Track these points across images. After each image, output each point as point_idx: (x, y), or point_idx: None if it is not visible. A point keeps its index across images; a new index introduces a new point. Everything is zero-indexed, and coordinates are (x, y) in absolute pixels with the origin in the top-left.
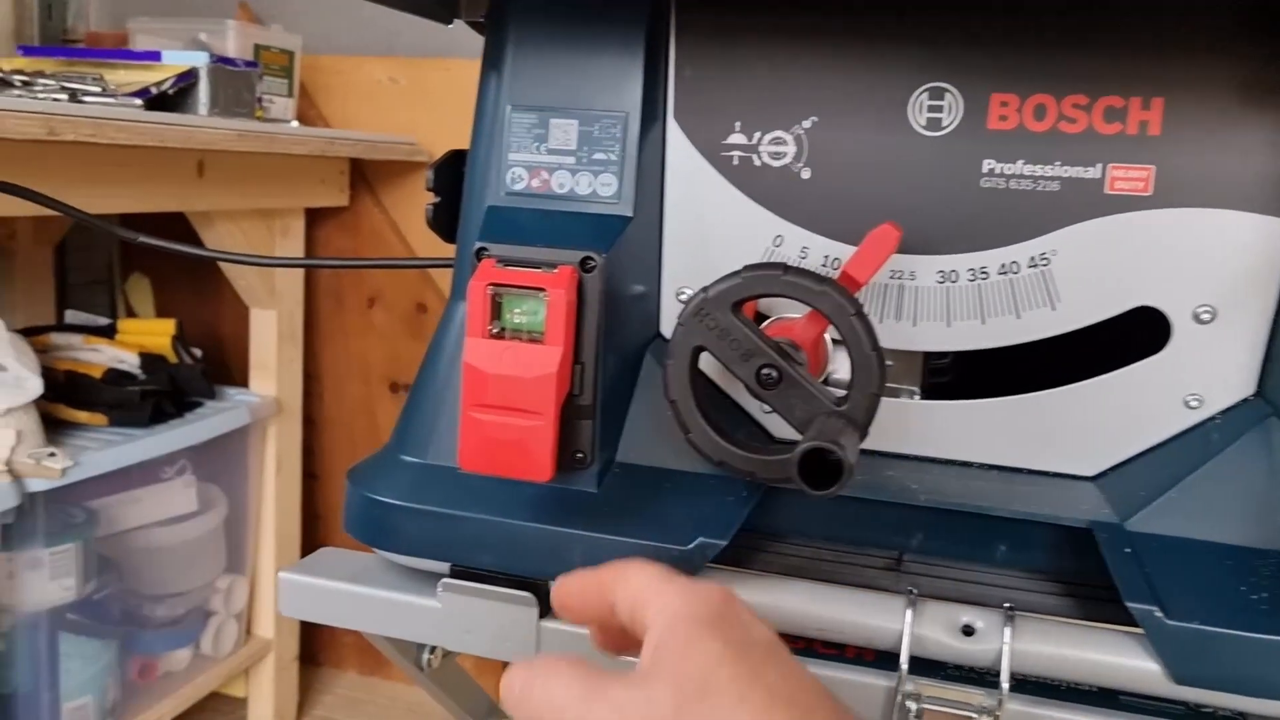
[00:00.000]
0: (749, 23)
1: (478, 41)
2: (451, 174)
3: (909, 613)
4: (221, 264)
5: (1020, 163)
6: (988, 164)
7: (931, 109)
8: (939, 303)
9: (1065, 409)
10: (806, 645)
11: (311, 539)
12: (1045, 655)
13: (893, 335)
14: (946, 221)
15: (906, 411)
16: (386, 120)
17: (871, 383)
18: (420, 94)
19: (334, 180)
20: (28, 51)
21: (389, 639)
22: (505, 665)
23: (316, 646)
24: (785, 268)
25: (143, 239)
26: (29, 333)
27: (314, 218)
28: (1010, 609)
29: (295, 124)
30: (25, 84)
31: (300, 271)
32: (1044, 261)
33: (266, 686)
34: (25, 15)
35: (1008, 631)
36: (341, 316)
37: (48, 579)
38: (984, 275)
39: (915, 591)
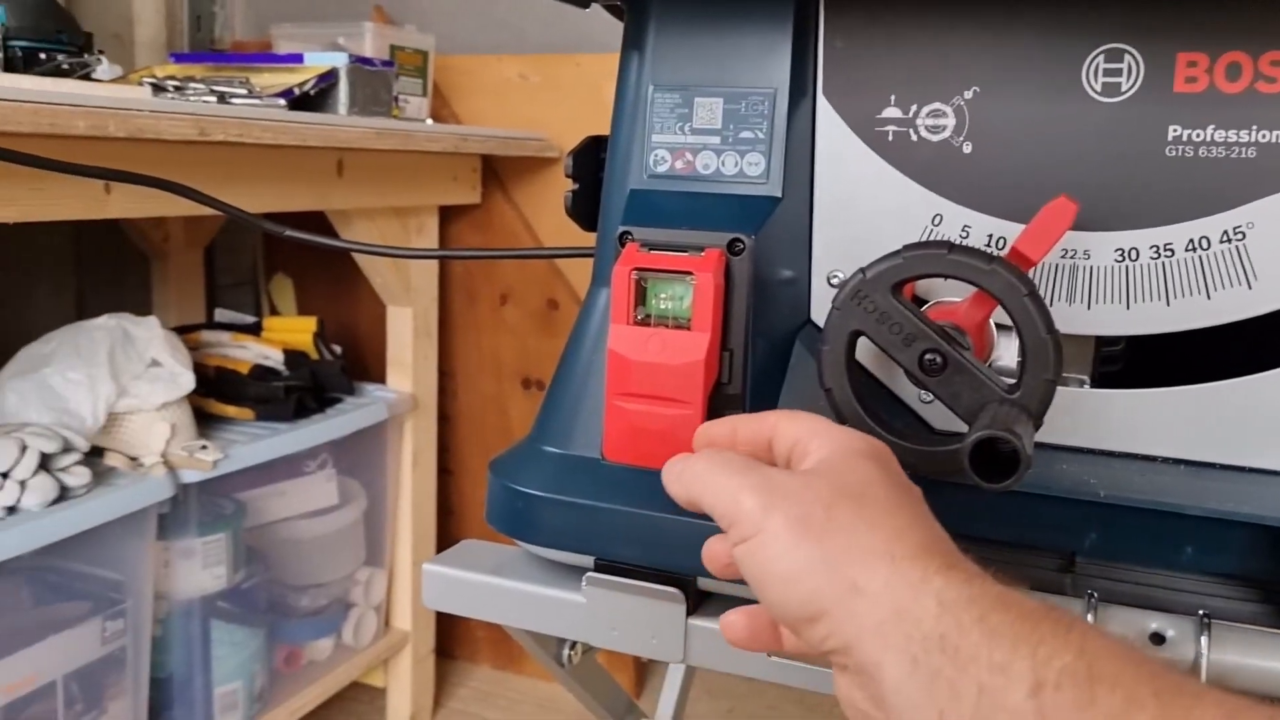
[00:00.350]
0: None
1: (608, 35)
2: (590, 160)
3: (1090, 617)
4: (359, 263)
5: (1211, 128)
6: (1173, 130)
7: (1109, 73)
8: (1117, 283)
9: (1264, 398)
10: None
11: (445, 534)
12: (1248, 668)
13: (1065, 319)
14: (1126, 194)
15: (1077, 401)
16: (517, 117)
17: (1046, 368)
18: (551, 90)
19: (466, 178)
20: (179, 59)
21: (530, 633)
22: (636, 660)
23: (451, 640)
24: (950, 246)
25: (289, 233)
26: (182, 330)
27: (447, 215)
28: (1205, 616)
29: (429, 122)
30: (177, 89)
31: (435, 269)
32: (1238, 236)
33: (404, 678)
34: (176, 27)
35: (1204, 641)
36: (474, 313)
37: (200, 568)
38: (1169, 252)
39: (1095, 595)
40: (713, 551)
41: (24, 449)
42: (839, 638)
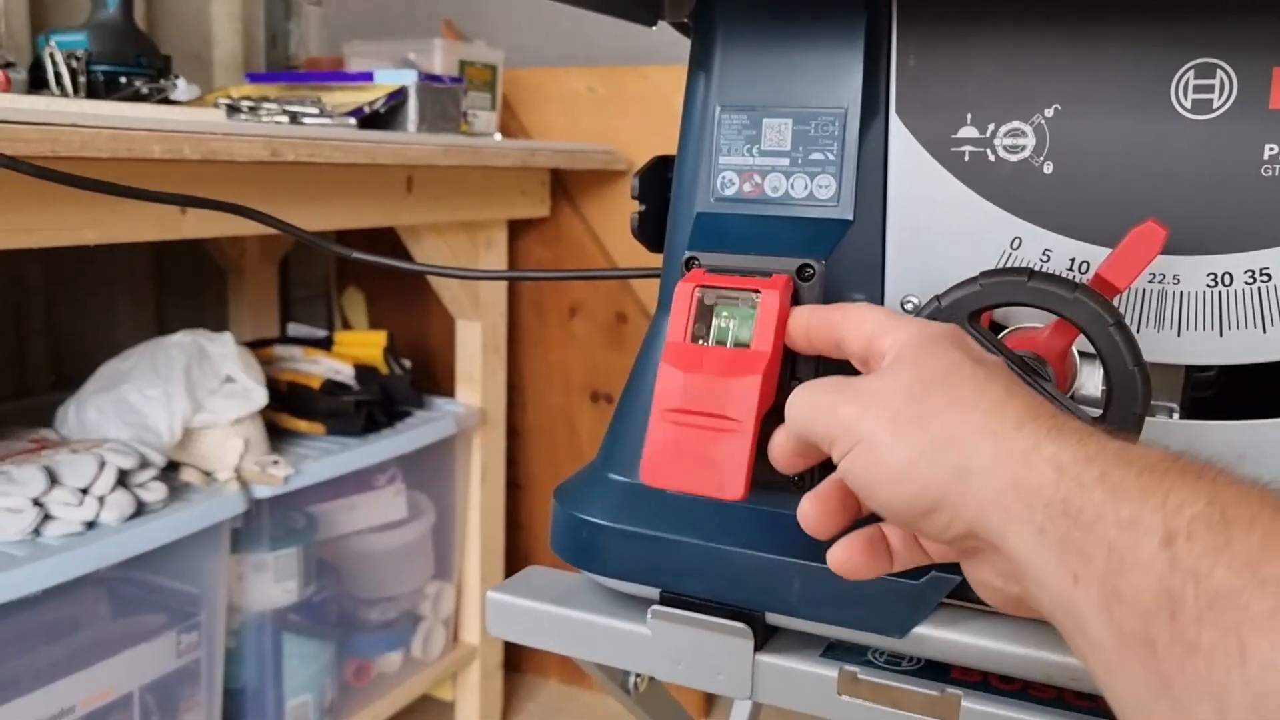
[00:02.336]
0: (980, 2)
1: (676, 48)
2: (657, 181)
3: None
4: (430, 279)
5: None
6: (1270, 149)
7: (1199, 89)
8: (1209, 309)
9: None
10: (1057, 695)
11: (514, 548)
12: None
13: (1153, 347)
14: (1219, 217)
15: (1167, 433)
16: (585, 130)
17: (1134, 402)
18: (619, 102)
19: (535, 191)
20: (254, 79)
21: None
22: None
23: (520, 654)
24: (1030, 273)
25: (356, 255)
26: (256, 345)
27: (516, 229)
28: None
29: (498, 137)
30: (251, 109)
31: (504, 283)
32: None
33: (473, 691)
34: (253, 46)
35: None
36: (543, 327)
37: (272, 581)
38: (1265, 277)
39: None
40: (776, 442)
41: (102, 465)
42: (961, 522)
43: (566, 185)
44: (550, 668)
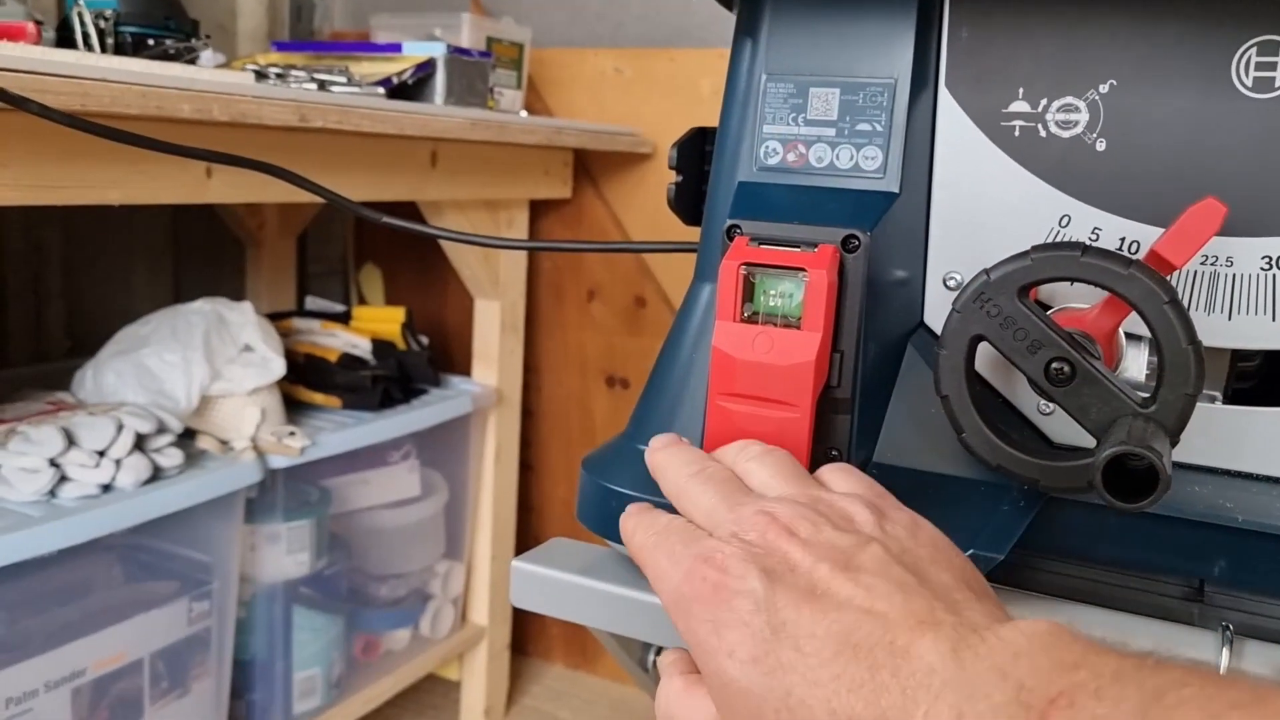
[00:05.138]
0: None
1: (703, 30)
2: (695, 152)
3: (1225, 652)
4: (449, 255)
5: None
6: None
7: (1261, 67)
8: (1262, 293)
9: None
10: None
11: (525, 530)
12: None
13: (1203, 330)
14: (1277, 198)
15: (1208, 417)
16: (610, 112)
17: (1186, 383)
18: (644, 84)
19: (558, 172)
20: (281, 47)
21: (615, 636)
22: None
23: (526, 636)
24: (1085, 247)
25: (386, 219)
26: (274, 317)
27: (536, 210)
28: None
29: (524, 114)
30: (279, 76)
31: (524, 263)
32: None
33: (479, 672)
34: (277, 18)
35: None
36: (561, 309)
37: (284, 553)
38: None
39: (1231, 628)
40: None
41: (120, 428)
42: None
43: (589, 167)
44: (556, 651)
